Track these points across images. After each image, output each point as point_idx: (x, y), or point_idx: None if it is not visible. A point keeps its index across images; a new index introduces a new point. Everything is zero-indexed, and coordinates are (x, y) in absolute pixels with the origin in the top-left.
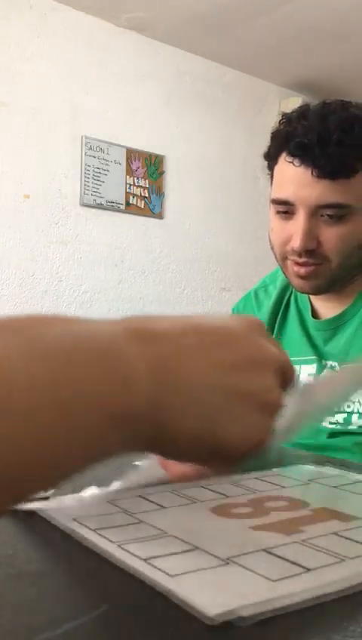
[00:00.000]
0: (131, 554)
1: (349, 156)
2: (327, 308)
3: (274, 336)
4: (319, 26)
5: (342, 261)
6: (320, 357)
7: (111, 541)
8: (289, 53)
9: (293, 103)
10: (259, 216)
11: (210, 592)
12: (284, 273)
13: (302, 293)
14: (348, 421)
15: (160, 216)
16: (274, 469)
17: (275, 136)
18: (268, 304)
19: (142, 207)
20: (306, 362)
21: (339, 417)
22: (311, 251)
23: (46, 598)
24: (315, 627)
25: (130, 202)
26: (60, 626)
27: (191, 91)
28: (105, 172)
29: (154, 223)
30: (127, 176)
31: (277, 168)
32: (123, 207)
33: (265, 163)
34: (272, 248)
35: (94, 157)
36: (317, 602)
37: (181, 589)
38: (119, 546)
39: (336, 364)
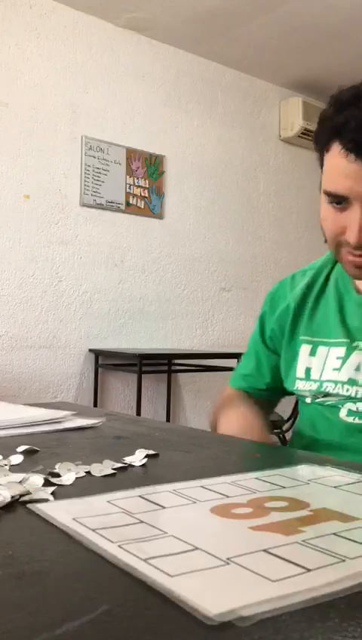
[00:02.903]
0: (131, 554)
1: None
2: None
3: (304, 313)
4: (319, 26)
5: None
6: (352, 338)
7: (111, 541)
8: (289, 53)
9: (293, 103)
10: (258, 216)
11: (210, 592)
12: (337, 259)
13: (357, 279)
14: None
15: (160, 216)
16: (274, 469)
17: (324, 120)
18: (302, 284)
19: (142, 207)
20: (335, 344)
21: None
22: None
23: (46, 598)
24: (315, 627)
25: (130, 202)
26: (60, 626)
27: (191, 91)
28: (105, 172)
29: (154, 223)
30: (127, 176)
31: (328, 157)
32: (123, 207)
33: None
34: (324, 234)
35: (94, 157)
36: (317, 602)
37: (181, 589)
38: (119, 546)
39: None
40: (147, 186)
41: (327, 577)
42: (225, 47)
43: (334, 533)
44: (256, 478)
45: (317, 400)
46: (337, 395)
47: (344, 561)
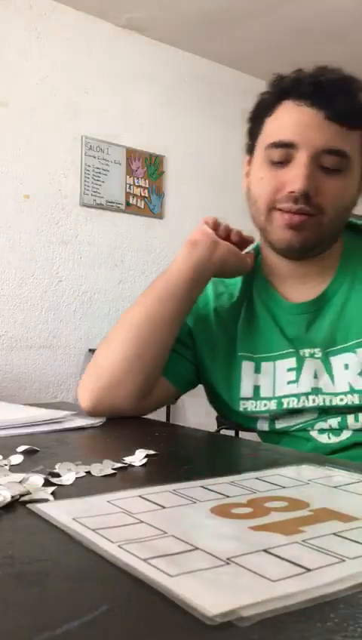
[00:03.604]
0: (131, 554)
1: (356, 107)
2: (300, 292)
3: (237, 328)
4: (319, 26)
5: (334, 217)
6: (297, 347)
7: (111, 541)
8: (289, 54)
9: None
10: None
11: (210, 592)
12: (267, 231)
13: (288, 250)
14: None
15: (160, 216)
16: (274, 469)
17: (275, 86)
18: (227, 299)
19: (142, 207)
20: (281, 357)
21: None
22: (309, 199)
23: (46, 598)
24: (315, 627)
25: (130, 202)
26: (60, 626)
27: (191, 91)
28: (105, 172)
29: (154, 223)
30: (127, 176)
31: (274, 116)
32: (123, 207)
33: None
34: (255, 203)
35: (94, 157)
36: (317, 602)
37: (181, 589)
38: (119, 546)
39: (319, 350)
40: (147, 186)
41: (327, 577)
42: (225, 47)
43: (334, 533)
44: (256, 478)
45: (280, 426)
46: (303, 409)
47: (344, 561)
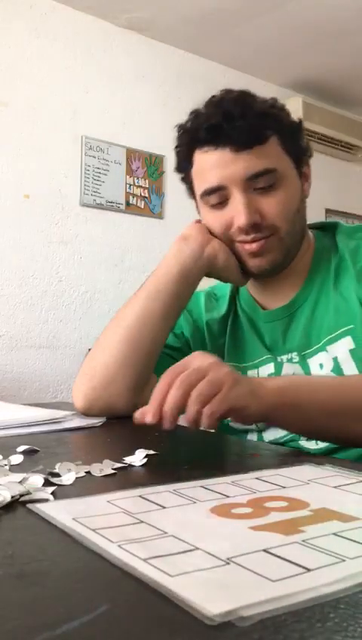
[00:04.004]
0: (131, 554)
1: (255, 124)
2: (274, 299)
3: (226, 341)
4: (319, 26)
5: (289, 228)
6: (275, 353)
7: (111, 541)
8: (289, 53)
9: (293, 103)
10: None
11: (210, 592)
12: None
13: (259, 273)
14: None
15: (160, 216)
16: (274, 469)
17: (181, 144)
18: (218, 314)
19: (142, 207)
20: (261, 363)
21: None
22: (258, 225)
23: (46, 598)
24: (315, 627)
25: (130, 202)
26: (60, 626)
27: (191, 91)
28: (105, 172)
29: (154, 223)
30: (127, 176)
31: (194, 169)
32: (123, 207)
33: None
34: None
35: (94, 157)
36: (317, 602)
37: (181, 589)
38: (119, 546)
39: (296, 354)
40: (147, 186)
41: (327, 577)
42: (225, 47)
43: (334, 533)
44: (256, 478)
45: (268, 440)
46: None
47: (344, 561)
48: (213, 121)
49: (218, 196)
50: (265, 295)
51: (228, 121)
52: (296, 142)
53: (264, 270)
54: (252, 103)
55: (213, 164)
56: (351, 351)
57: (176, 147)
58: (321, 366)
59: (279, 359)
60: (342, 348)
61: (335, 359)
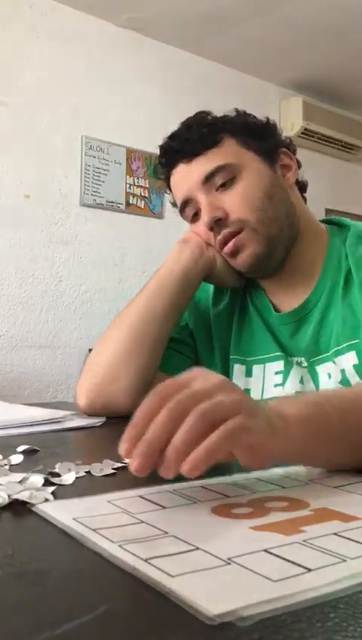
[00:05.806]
0: (131, 554)
1: (204, 132)
2: (287, 301)
3: (231, 334)
4: (319, 26)
5: (259, 216)
6: (288, 353)
7: (111, 541)
8: (289, 53)
9: (293, 102)
10: None
11: (210, 592)
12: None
13: (249, 271)
14: None
15: (160, 216)
16: (275, 469)
17: (157, 176)
18: (222, 306)
19: (142, 207)
20: (270, 359)
21: None
22: (223, 220)
23: (46, 598)
24: (315, 627)
25: (130, 202)
26: (60, 626)
27: (191, 91)
28: (105, 172)
29: (154, 223)
30: (127, 176)
31: (171, 188)
32: (123, 207)
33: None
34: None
35: (94, 157)
36: (317, 602)
37: (181, 589)
38: (119, 546)
39: (304, 359)
40: (147, 185)
41: (328, 577)
42: (225, 47)
43: (335, 533)
44: (256, 478)
45: None
46: None
47: (344, 561)
48: (166, 147)
49: (191, 208)
50: (278, 295)
51: (178, 140)
52: (261, 138)
53: (250, 266)
54: (201, 118)
55: (176, 182)
56: (355, 366)
57: (155, 166)
58: (329, 376)
59: (291, 359)
60: (348, 362)
61: (343, 371)
